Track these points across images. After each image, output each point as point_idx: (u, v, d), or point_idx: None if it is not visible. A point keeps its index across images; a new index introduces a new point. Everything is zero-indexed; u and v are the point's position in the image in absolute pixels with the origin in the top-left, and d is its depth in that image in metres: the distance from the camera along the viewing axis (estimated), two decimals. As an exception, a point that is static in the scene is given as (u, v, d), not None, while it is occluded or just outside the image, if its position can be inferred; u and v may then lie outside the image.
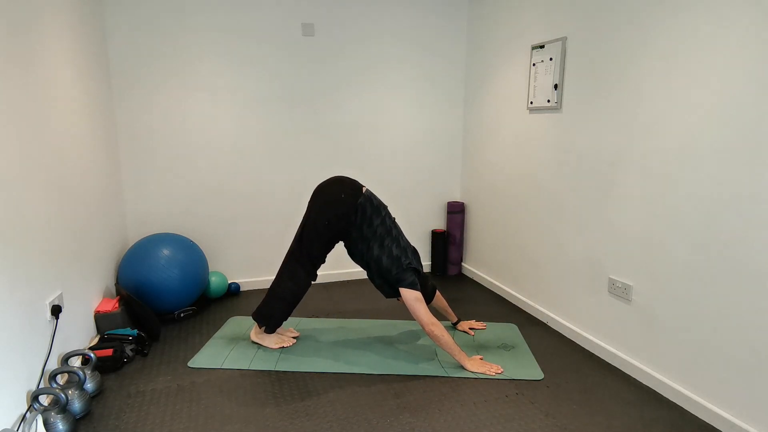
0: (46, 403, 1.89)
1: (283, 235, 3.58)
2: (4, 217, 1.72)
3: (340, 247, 3.74)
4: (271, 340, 2.59)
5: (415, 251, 2.52)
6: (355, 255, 2.49)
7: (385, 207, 2.48)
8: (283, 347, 2.58)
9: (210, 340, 2.69)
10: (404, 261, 2.37)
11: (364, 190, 2.44)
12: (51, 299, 2.06)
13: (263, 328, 2.59)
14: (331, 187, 2.43)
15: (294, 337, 2.68)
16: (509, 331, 2.82)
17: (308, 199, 3.57)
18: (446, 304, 2.79)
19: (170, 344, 2.66)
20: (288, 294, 2.49)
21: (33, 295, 1.92)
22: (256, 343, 2.62)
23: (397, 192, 3.82)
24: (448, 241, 3.92)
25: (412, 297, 2.32)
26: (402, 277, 2.35)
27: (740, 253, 1.82)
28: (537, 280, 3.06)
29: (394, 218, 2.58)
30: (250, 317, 3.01)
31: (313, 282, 2.54)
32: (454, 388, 2.22)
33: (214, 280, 3.29)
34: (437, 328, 2.30)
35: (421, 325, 2.32)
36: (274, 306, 2.51)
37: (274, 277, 2.59)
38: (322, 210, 2.41)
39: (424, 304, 2.34)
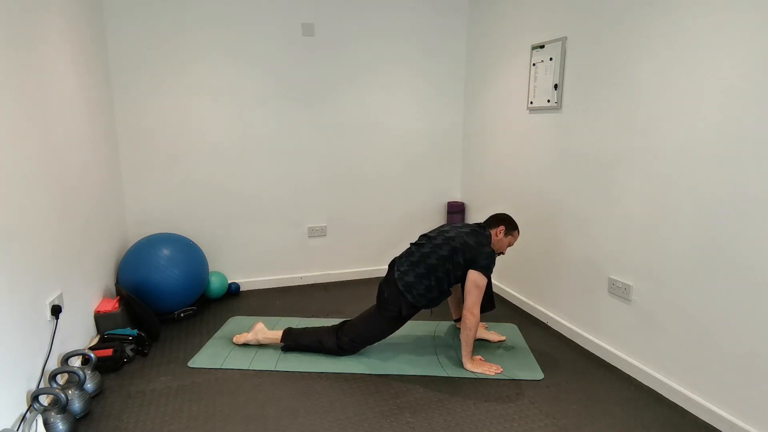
0: (46, 403, 1.89)
1: (283, 235, 3.58)
2: (4, 217, 1.72)
3: (336, 245, 3.74)
4: (251, 339, 2.61)
5: None
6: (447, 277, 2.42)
7: (412, 252, 2.44)
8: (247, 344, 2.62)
9: (210, 340, 2.69)
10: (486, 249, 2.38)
11: (396, 275, 2.41)
12: (51, 299, 2.06)
13: (282, 344, 2.57)
14: (380, 289, 2.48)
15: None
16: (509, 331, 2.82)
17: (308, 198, 3.59)
18: (461, 299, 2.78)
19: (170, 344, 2.66)
20: (317, 346, 2.52)
21: (33, 295, 1.92)
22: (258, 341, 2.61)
23: (397, 192, 3.82)
24: (448, 241, 3.92)
25: (483, 282, 2.33)
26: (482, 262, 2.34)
27: (740, 252, 1.82)
28: (537, 280, 3.06)
29: (439, 236, 2.46)
30: (250, 317, 3.01)
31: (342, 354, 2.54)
32: (454, 388, 2.22)
33: (214, 280, 3.29)
34: (475, 320, 2.32)
35: (465, 307, 2.32)
36: (304, 342, 2.54)
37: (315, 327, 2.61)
38: (383, 310, 2.43)
39: (482, 294, 2.35)
